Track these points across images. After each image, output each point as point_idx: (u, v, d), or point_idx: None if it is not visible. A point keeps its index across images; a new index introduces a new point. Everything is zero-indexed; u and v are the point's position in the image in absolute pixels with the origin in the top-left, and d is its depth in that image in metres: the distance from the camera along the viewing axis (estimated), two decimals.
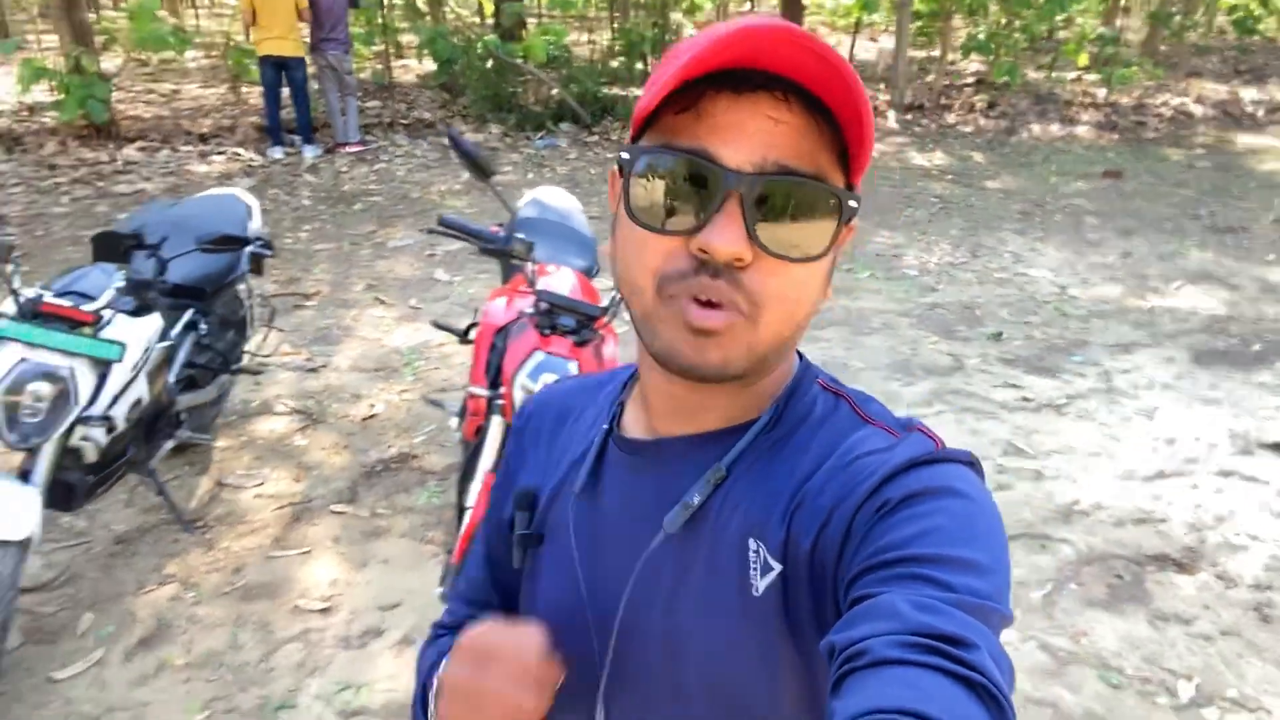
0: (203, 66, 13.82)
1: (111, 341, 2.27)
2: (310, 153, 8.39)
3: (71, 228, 6.26)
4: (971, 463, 0.66)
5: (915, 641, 0.50)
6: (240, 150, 8.49)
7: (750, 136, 0.61)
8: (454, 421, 2.99)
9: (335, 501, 3.14)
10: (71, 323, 2.24)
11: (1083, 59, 11.93)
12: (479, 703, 0.67)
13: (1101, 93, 11.64)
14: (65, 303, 2.26)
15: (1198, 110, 11.15)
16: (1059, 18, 12.06)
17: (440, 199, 7.22)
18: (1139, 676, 2.40)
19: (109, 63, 9.08)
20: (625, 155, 0.65)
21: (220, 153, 8.39)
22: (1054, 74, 12.33)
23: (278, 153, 8.37)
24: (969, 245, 6.20)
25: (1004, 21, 11.68)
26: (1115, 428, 3.71)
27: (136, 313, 2.49)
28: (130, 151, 8.10)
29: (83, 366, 2.25)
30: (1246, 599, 2.70)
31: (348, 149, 8.57)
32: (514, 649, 0.67)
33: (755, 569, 0.66)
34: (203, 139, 8.79)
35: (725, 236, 0.60)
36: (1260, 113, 11.04)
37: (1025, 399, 3.96)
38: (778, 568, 0.65)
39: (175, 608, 2.61)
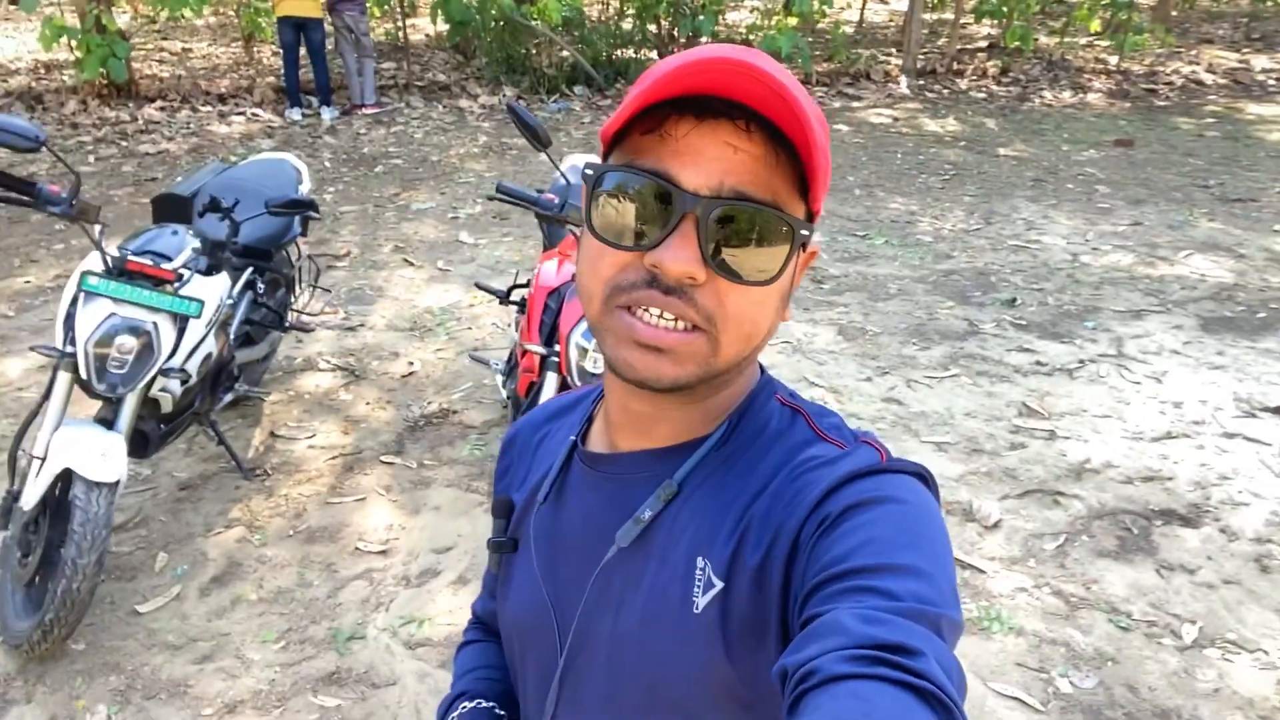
0: (211, 25, 13.80)
1: (191, 299, 2.41)
2: (328, 114, 8.46)
3: (101, 186, 6.37)
4: (920, 474, 0.68)
5: (862, 654, 0.51)
6: (259, 111, 8.57)
7: (710, 161, 0.63)
8: (499, 378, 3.15)
9: (384, 453, 3.30)
10: (154, 280, 2.38)
11: (1095, 25, 11.92)
12: None
13: (1114, 60, 11.64)
14: (147, 262, 2.40)
15: (1209, 79, 11.17)
16: None
17: (460, 162, 7.31)
18: (1145, 620, 2.58)
19: (118, 20, 9.11)
20: (589, 171, 0.68)
21: (239, 113, 8.46)
22: (1066, 40, 12.32)
23: (296, 114, 8.44)
24: (982, 212, 6.31)
25: None
26: (1125, 391, 3.86)
27: (208, 272, 2.63)
28: (151, 111, 8.18)
29: (164, 321, 2.40)
30: (1248, 551, 2.87)
31: (365, 110, 8.64)
32: None
33: (699, 586, 0.68)
34: (221, 99, 8.85)
35: (678, 256, 0.62)
36: (1270, 81, 11.05)
37: (1039, 363, 4.11)
38: (719, 585, 0.67)
39: (244, 549, 2.78)
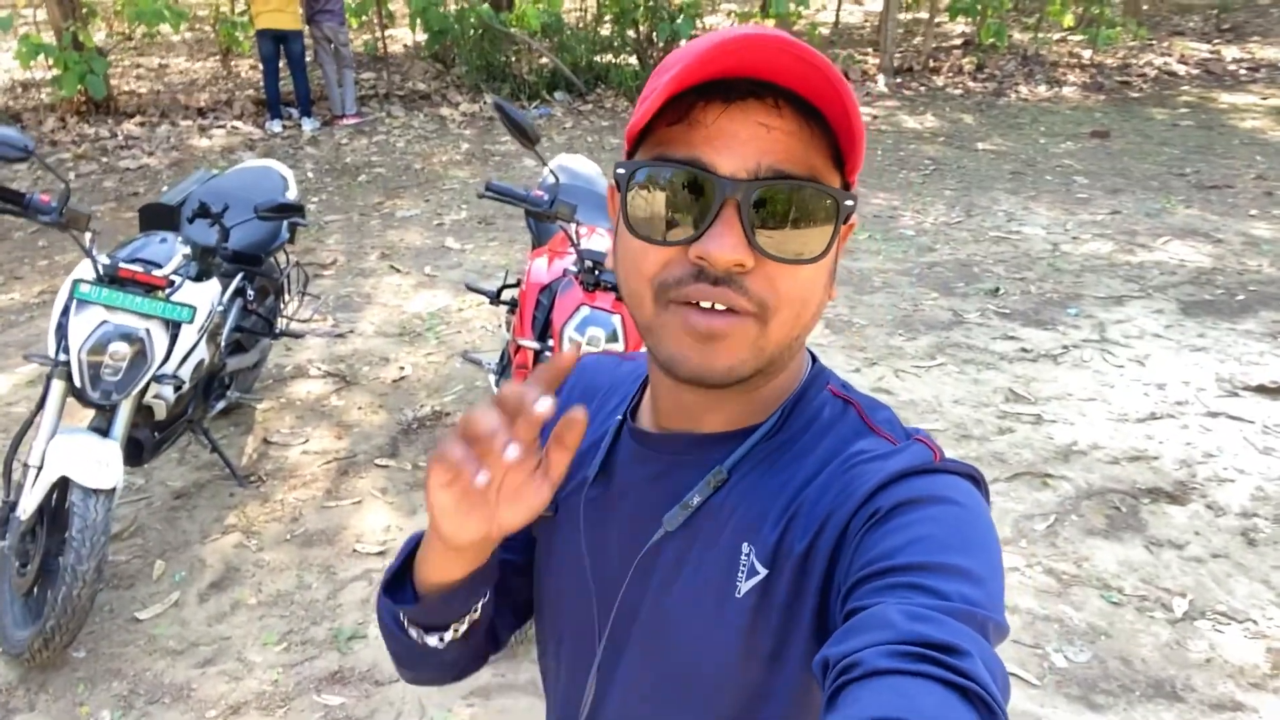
0: (187, 40, 13.74)
1: (183, 305, 2.42)
2: (309, 125, 8.45)
3: (84, 202, 6.33)
4: (972, 475, 0.67)
5: (907, 650, 0.50)
6: (239, 124, 8.54)
7: (744, 144, 0.62)
8: (492, 378, 3.17)
9: (378, 456, 3.31)
10: (146, 287, 2.39)
11: (1068, 20, 12.04)
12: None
13: (1087, 53, 11.78)
14: (139, 269, 2.41)
15: (1181, 70, 11.31)
16: None
17: (443, 169, 7.32)
18: (1137, 595, 2.62)
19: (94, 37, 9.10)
20: (620, 170, 0.66)
21: (219, 127, 8.44)
22: (1040, 35, 12.45)
23: (276, 126, 8.43)
24: (963, 205, 6.37)
25: None
26: (1109, 374, 3.91)
27: (198, 278, 2.63)
28: (130, 127, 8.14)
29: (157, 328, 2.41)
30: (1234, 525, 2.92)
31: (345, 121, 8.63)
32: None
33: (742, 571, 0.68)
34: (200, 113, 8.83)
35: (724, 244, 0.61)
36: (1241, 71, 11.21)
37: (1024, 350, 4.16)
38: (763, 572, 0.67)
39: (241, 554, 2.78)
